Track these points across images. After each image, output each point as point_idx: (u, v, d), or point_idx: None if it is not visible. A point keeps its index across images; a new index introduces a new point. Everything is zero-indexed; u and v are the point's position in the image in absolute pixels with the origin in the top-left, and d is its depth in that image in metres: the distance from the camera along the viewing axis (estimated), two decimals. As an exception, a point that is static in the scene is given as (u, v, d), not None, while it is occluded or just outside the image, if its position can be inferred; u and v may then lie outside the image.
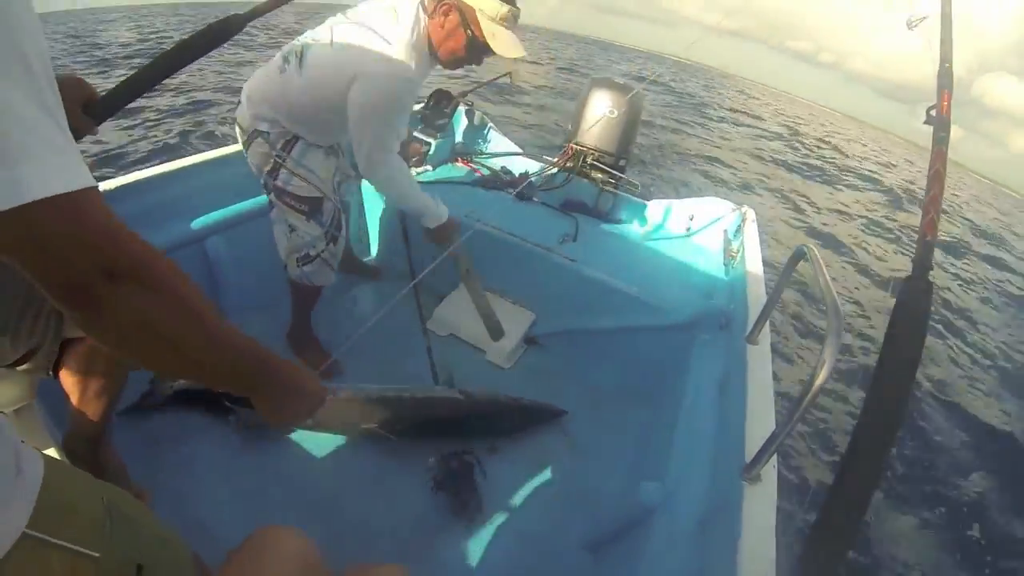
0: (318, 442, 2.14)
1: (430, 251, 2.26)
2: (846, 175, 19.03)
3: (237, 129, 2.12)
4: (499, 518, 2.03)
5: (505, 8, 1.83)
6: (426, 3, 1.89)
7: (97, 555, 0.81)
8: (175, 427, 2.06)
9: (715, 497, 1.63)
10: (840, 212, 13.56)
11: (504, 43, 1.85)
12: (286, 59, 1.97)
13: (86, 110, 1.34)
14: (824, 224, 11.89)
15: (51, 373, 1.41)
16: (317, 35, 1.95)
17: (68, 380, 1.45)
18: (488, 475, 2.14)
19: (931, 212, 0.94)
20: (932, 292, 0.94)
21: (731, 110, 27.51)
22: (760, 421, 1.66)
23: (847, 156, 23.62)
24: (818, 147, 23.43)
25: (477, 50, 1.91)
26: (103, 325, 0.66)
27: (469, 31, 1.86)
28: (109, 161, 6.42)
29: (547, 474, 2.23)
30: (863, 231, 12.36)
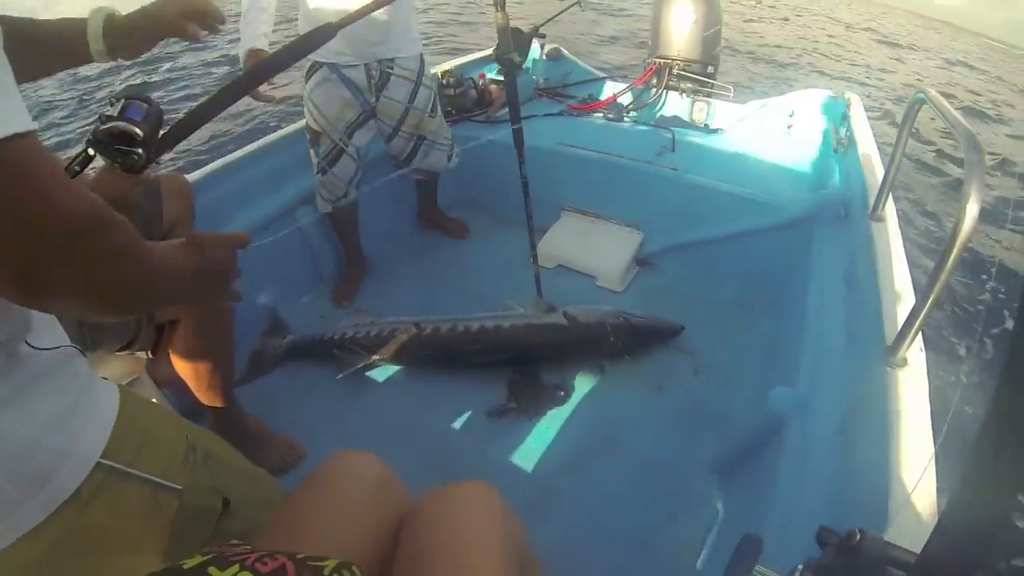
0: (425, 383, 2.19)
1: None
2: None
3: None
4: (618, 443, 1.98)
5: None
6: None
7: (179, 487, 0.83)
8: (284, 387, 2.17)
9: (855, 393, 1.46)
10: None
11: None
12: None
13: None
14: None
15: (150, 354, 1.52)
16: None
17: (180, 364, 1.56)
18: (602, 397, 2.13)
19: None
20: None
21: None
22: (899, 300, 1.52)
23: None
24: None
25: None
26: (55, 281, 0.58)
27: None
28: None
29: (670, 395, 2.16)
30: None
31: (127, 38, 1.10)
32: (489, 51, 3.49)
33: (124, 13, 1.11)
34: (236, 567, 0.63)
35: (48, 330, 0.76)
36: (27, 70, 0.97)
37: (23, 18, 0.98)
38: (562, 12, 3.93)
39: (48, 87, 7.24)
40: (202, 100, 1.26)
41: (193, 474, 0.86)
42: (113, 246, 0.61)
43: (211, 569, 0.63)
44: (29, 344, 0.70)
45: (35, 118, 0.55)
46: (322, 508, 0.90)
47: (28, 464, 0.67)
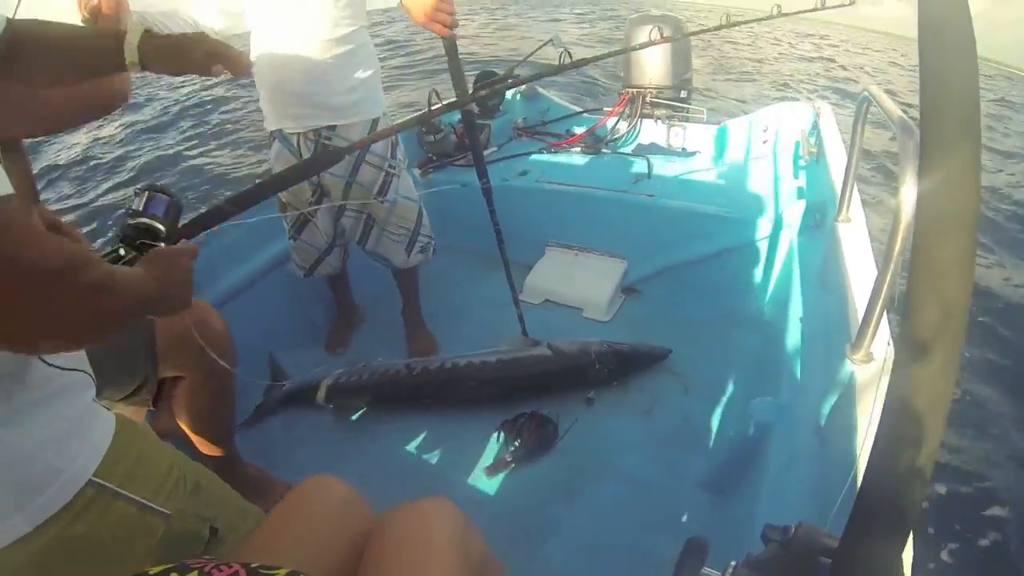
0: (419, 423, 2.21)
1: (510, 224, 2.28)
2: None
3: None
4: (610, 467, 2.00)
5: None
6: None
7: (167, 512, 0.87)
8: (283, 434, 2.21)
9: (828, 394, 1.45)
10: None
11: None
12: None
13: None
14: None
15: (152, 406, 1.54)
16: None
17: (182, 418, 1.61)
18: (591, 426, 2.14)
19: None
20: None
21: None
22: (865, 299, 1.49)
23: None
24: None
25: None
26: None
27: None
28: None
29: (657, 418, 2.17)
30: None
31: (166, 56, 1.08)
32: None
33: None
34: (195, 573, 0.68)
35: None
36: (41, 80, 1.02)
37: (30, 20, 1.00)
38: (534, 52, 4.05)
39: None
40: (223, 199, 1.29)
41: (182, 502, 0.90)
42: (89, 283, 0.67)
43: (172, 574, 0.68)
44: (45, 361, 0.75)
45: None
46: (289, 531, 0.93)
47: (21, 477, 0.71)
